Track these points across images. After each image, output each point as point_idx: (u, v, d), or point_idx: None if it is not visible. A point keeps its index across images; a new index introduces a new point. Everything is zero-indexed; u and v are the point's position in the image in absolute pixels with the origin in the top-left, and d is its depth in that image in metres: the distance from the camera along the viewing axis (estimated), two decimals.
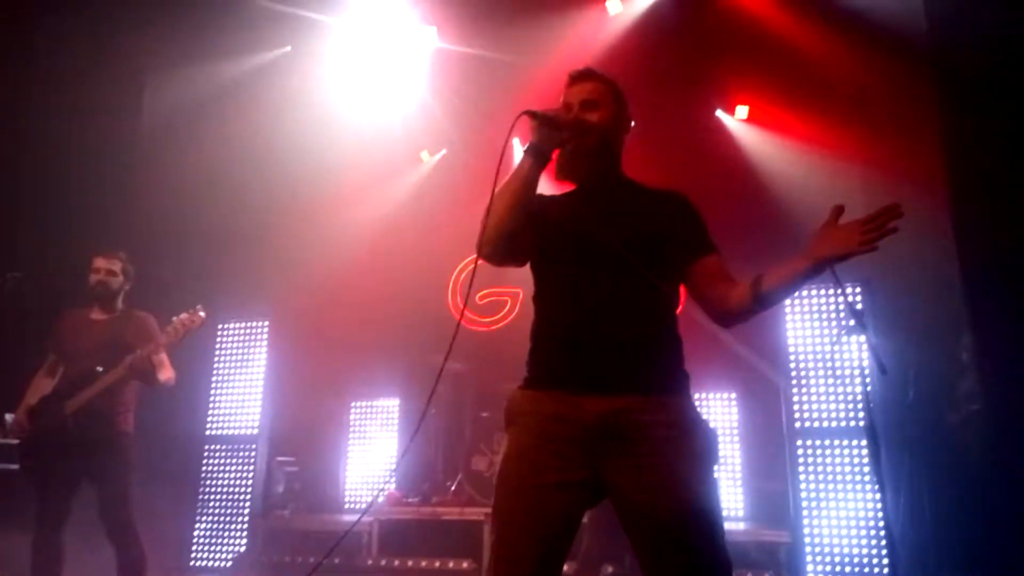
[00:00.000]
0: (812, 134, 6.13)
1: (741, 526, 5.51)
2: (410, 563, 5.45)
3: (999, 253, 4.30)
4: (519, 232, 2.03)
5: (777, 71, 6.30)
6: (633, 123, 2.24)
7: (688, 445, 1.86)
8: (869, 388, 2.60)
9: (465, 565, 5.42)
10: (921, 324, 4.80)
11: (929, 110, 5.11)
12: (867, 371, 3.15)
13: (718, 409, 6.03)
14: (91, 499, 3.76)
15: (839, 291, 4.74)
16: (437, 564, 5.44)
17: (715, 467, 1.93)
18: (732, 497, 5.81)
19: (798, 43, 6.08)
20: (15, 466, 5.40)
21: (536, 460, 1.89)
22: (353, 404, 6.91)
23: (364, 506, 6.43)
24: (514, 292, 7.31)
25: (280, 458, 6.23)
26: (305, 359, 6.62)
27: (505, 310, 7.33)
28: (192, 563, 6.09)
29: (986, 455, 4.29)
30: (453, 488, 5.93)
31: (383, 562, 5.57)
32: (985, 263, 4.38)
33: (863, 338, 2.46)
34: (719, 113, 6.88)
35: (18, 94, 6.17)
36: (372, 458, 6.75)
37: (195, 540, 6.14)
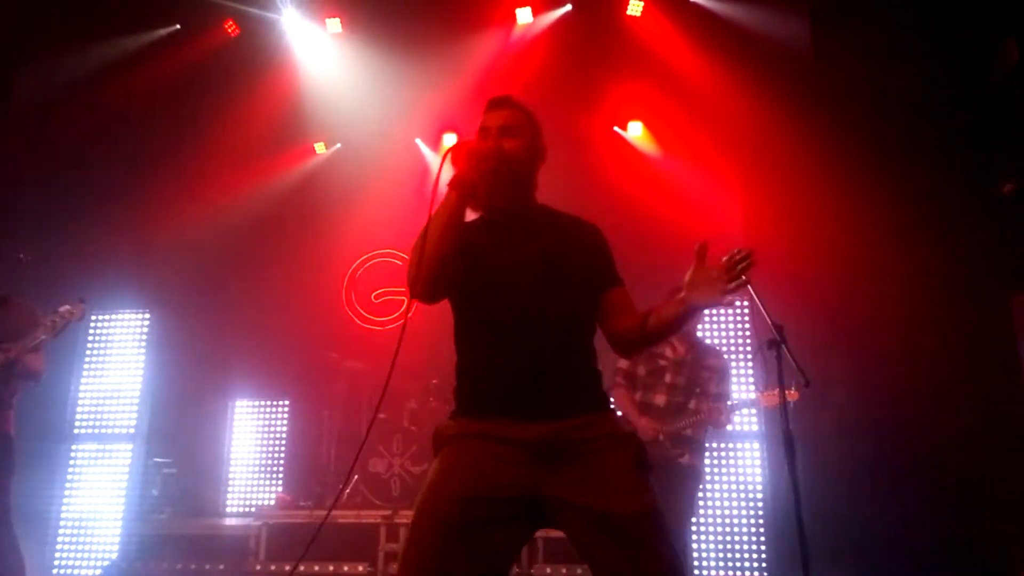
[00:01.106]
0: (698, 152, 6.50)
1: None
2: (302, 568, 5.26)
3: None
4: (450, 268, 2.00)
5: (668, 89, 6.61)
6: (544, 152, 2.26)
7: (628, 454, 1.94)
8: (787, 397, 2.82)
9: (360, 569, 5.30)
10: None
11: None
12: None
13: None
14: None
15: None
16: (331, 568, 5.29)
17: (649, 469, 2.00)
18: None
19: (689, 63, 6.44)
20: None
21: (485, 475, 1.89)
22: (238, 403, 6.60)
23: (250, 510, 6.14)
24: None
25: (157, 459, 5.85)
26: (187, 355, 6.25)
27: (401, 309, 7.25)
28: (56, 572, 5.60)
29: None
30: (348, 491, 5.79)
31: (272, 567, 5.35)
32: None
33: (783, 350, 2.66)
34: (616, 128, 7.15)
35: None
36: (257, 460, 6.46)
37: (59, 547, 5.65)
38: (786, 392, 2.80)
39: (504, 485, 1.86)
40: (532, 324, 2.00)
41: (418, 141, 7.54)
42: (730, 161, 6.23)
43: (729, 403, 4.29)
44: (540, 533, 5.13)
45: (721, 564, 5.43)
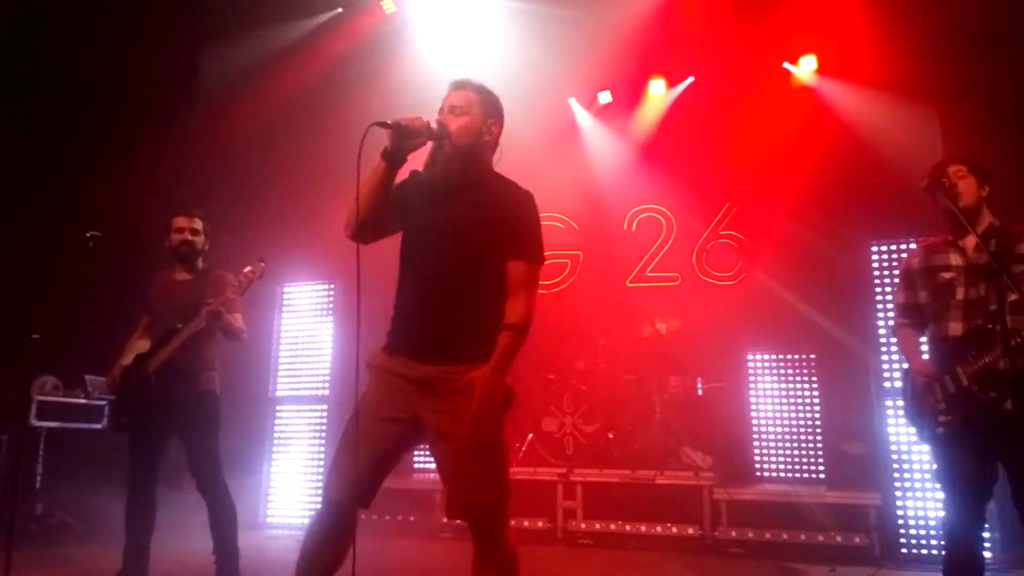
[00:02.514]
0: (885, 76, 5.88)
1: (823, 489, 5.45)
2: None
3: None
4: (375, 220, 2.41)
5: (844, 14, 6.02)
6: (499, 128, 2.50)
7: (482, 395, 2.27)
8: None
9: (540, 524, 5.43)
10: None
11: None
12: None
13: (797, 370, 5.96)
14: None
15: None
16: (512, 523, 5.43)
17: (506, 415, 2.36)
18: (812, 459, 5.77)
19: None
20: (99, 425, 5.61)
21: (379, 400, 2.37)
22: None
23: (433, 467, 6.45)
24: (574, 255, 7.23)
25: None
26: (369, 324, 6.61)
27: (565, 273, 7.26)
28: (270, 518, 6.24)
29: None
30: (524, 449, 5.93)
31: (457, 520, 5.58)
32: None
33: None
34: (786, 65, 6.66)
35: (86, 61, 6.20)
36: None
37: (270, 498, 6.28)
38: None
39: (395, 408, 2.35)
40: (437, 277, 2.37)
41: (572, 101, 7.48)
42: (924, 91, 5.57)
43: None
44: (723, 497, 5.13)
45: None
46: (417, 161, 2.49)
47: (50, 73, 6.20)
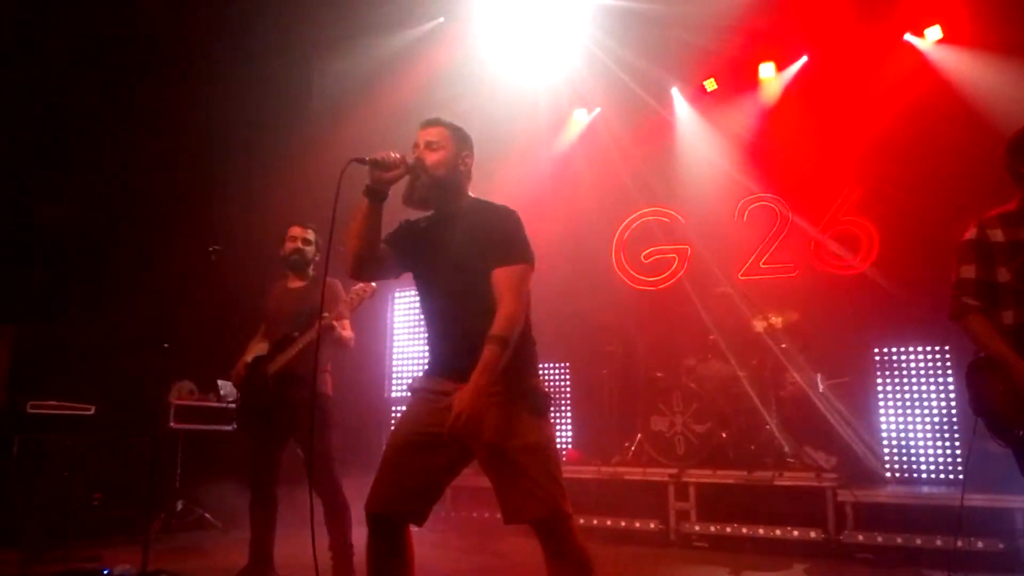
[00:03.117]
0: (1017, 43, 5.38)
1: (961, 491, 5.03)
2: (595, 521, 5.42)
3: None
4: (372, 257, 2.55)
5: None
6: (471, 160, 2.63)
7: (524, 404, 2.40)
8: None
9: (652, 526, 5.32)
10: None
11: None
12: None
13: (929, 363, 5.59)
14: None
15: None
16: (623, 524, 5.38)
17: (547, 419, 2.45)
18: (948, 459, 5.38)
19: None
20: (229, 427, 6.00)
21: (419, 416, 2.47)
22: None
23: None
24: (682, 249, 7.04)
25: None
26: None
27: (672, 267, 7.07)
28: None
29: None
30: (633, 448, 5.83)
31: None
32: None
33: None
34: (908, 37, 6.21)
35: (204, 79, 6.66)
36: None
37: None
38: None
39: (435, 425, 2.37)
40: (449, 303, 2.52)
41: (674, 91, 7.31)
42: None
43: None
44: (848, 499, 4.84)
45: None
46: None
47: (178, 97, 6.68)
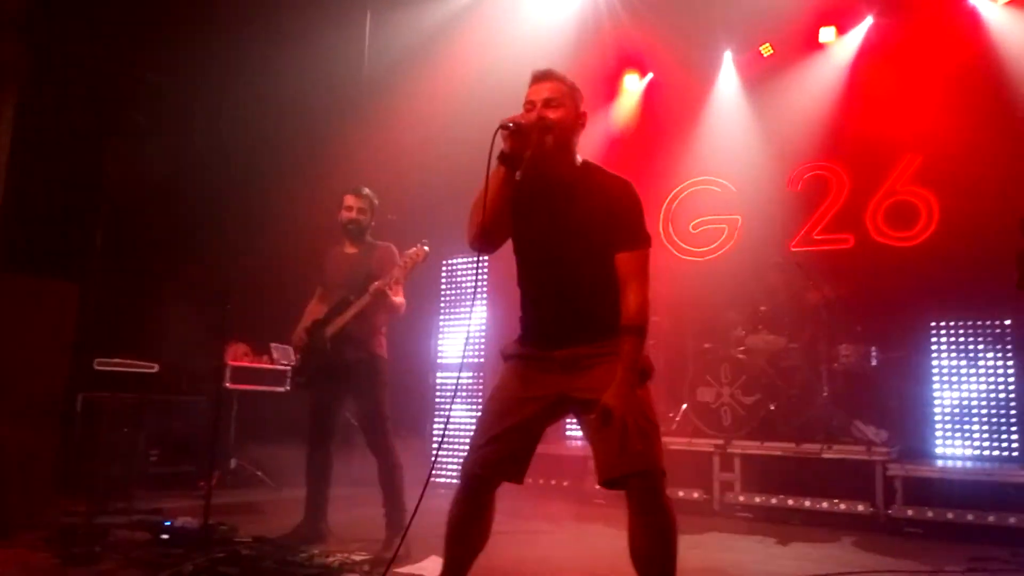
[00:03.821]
0: None
1: (1017, 467, 4.93)
2: None
3: None
4: (500, 228, 2.48)
5: None
6: (587, 116, 2.52)
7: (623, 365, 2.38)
8: None
9: (696, 495, 5.33)
10: None
11: None
12: None
13: (988, 337, 5.44)
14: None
15: None
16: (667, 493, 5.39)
17: (646, 379, 2.44)
18: (1004, 435, 5.25)
19: None
20: (283, 388, 6.15)
21: (522, 382, 2.48)
22: None
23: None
24: (732, 219, 6.93)
25: None
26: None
27: (722, 238, 6.98)
28: (433, 478, 6.54)
29: None
30: (678, 419, 5.82)
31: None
32: None
33: None
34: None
35: (254, 40, 6.71)
36: None
37: (434, 456, 6.60)
38: None
39: (540, 387, 2.45)
40: (558, 271, 2.46)
41: (728, 55, 7.14)
42: None
43: None
44: (899, 473, 4.77)
45: None
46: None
47: (238, 58, 6.74)
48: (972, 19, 5.98)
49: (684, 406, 5.79)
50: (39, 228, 5.73)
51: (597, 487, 5.37)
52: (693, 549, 4.20)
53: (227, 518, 4.07)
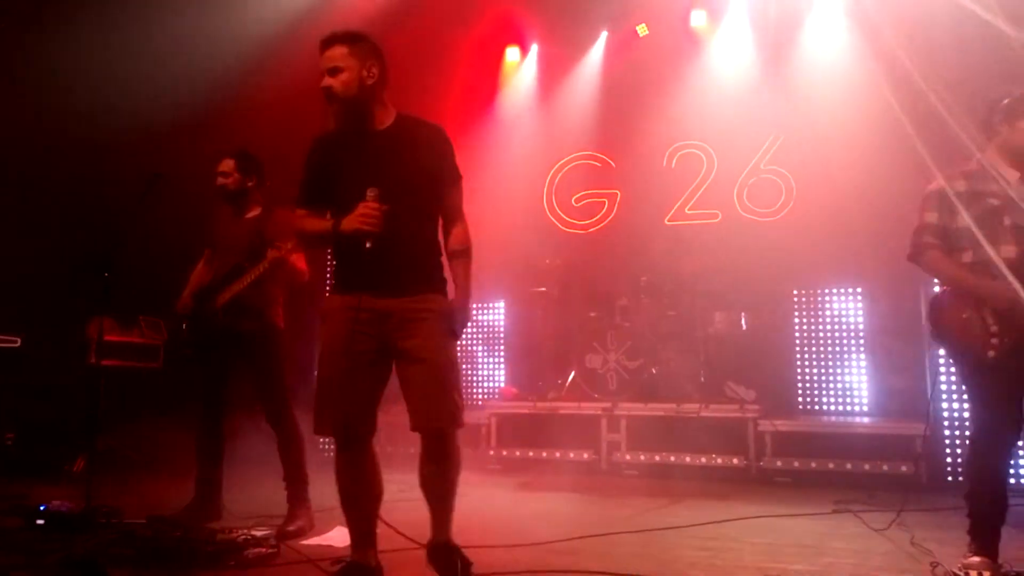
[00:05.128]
0: None
1: (866, 420, 5.52)
2: (531, 453, 5.61)
3: None
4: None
5: None
6: (379, 67, 2.61)
7: (444, 324, 2.63)
8: None
9: (585, 456, 5.55)
10: None
11: None
12: None
13: (843, 304, 5.99)
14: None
15: None
16: (558, 454, 5.58)
17: (457, 339, 2.69)
18: (857, 393, 5.82)
19: None
20: (155, 364, 5.76)
21: (348, 335, 2.56)
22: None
23: (478, 402, 6.60)
24: (611, 193, 7.19)
25: None
26: None
27: (602, 212, 7.22)
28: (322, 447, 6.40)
29: None
30: (566, 385, 6.01)
31: (504, 452, 5.74)
32: None
33: None
34: None
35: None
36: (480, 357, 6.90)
37: None
38: None
39: (365, 338, 2.58)
40: (385, 225, 2.49)
41: (604, 35, 7.35)
42: None
43: None
44: (768, 428, 5.19)
45: None
46: None
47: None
48: (831, 7, 6.47)
49: (573, 373, 5.99)
50: None
51: (491, 453, 5.61)
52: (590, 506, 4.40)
53: (104, 502, 3.79)
